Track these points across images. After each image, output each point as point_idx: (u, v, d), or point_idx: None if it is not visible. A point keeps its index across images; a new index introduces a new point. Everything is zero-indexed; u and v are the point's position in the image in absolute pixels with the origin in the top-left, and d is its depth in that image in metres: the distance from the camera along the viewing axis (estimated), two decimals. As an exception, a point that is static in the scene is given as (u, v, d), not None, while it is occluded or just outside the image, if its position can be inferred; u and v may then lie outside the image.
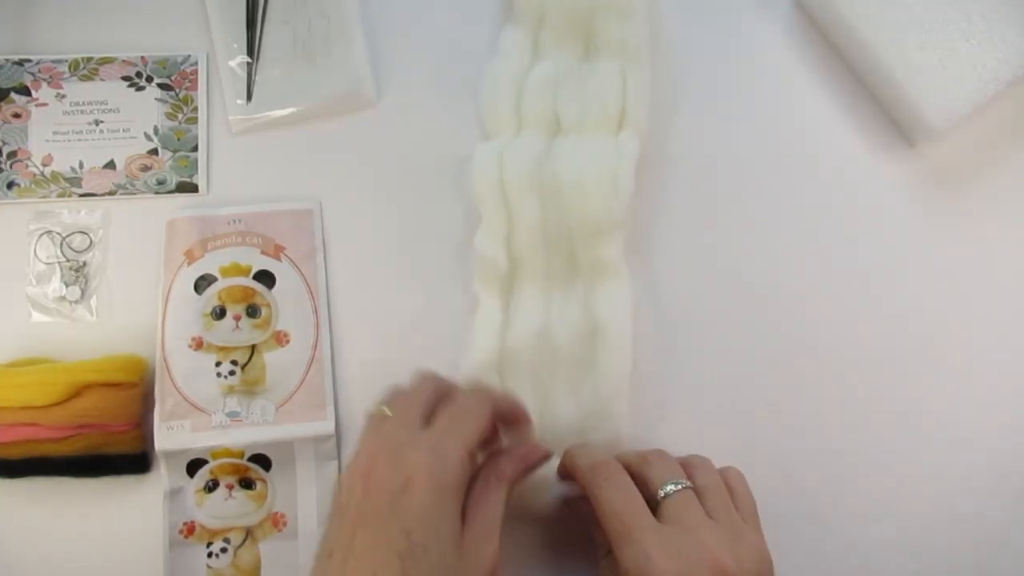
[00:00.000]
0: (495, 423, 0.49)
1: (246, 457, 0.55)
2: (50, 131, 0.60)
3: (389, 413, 0.46)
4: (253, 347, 0.57)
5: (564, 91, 0.60)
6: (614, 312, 0.55)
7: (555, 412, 0.55)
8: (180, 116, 0.62)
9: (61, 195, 0.59)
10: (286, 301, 0.58)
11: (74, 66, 0.62)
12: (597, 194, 0.56)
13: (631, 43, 0.59)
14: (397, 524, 0.41)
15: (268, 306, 0.57)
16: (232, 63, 0.63)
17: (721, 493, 0.48)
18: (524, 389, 0.55)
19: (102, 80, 0.62)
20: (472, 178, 0.57)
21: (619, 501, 0.46)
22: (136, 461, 0.55)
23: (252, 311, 0.57)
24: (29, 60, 0.62)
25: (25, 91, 0.61)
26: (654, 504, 0.47)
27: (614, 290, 0.56)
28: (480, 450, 0.47)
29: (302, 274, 0.59)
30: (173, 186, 0.60)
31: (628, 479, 0.47)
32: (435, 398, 0.47)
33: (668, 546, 0.44)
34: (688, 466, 0.50)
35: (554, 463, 0.51)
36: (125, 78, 0.62)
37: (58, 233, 0.59)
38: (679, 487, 0.47)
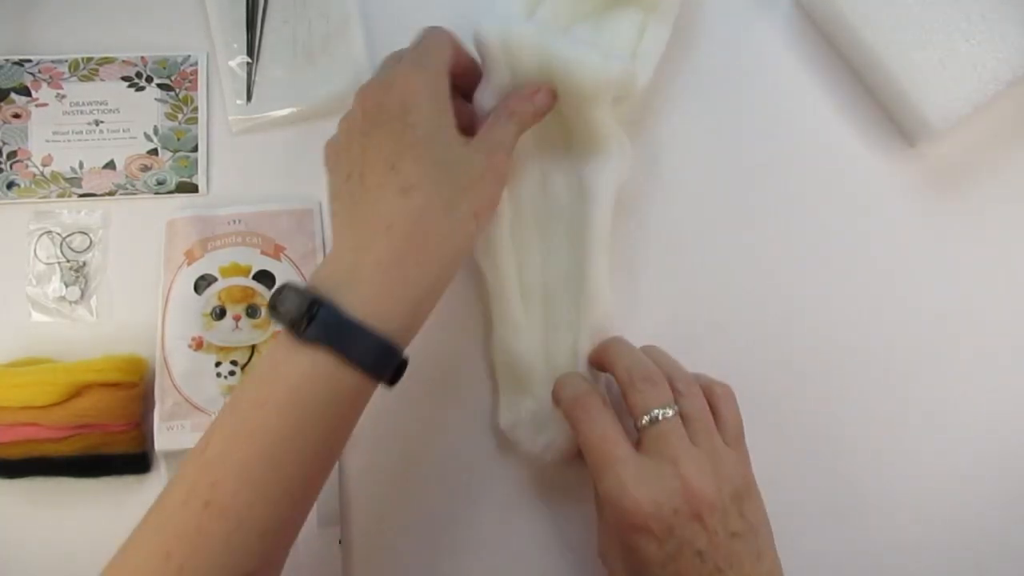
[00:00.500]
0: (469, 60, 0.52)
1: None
2: (50, 131, 0.61)
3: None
4: (253, 347, 0.57)
5: (579, 26, 0.58)
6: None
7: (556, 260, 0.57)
8: (180, 116, 0.62)
9: (61, 195, 0.59)
10: (286, 301, 0.58)
11: (74, 66, 0.62)
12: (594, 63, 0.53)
13: (663, 4, 0.59)
14: (402, 123, 0.46)
15: (268, 306, 0.58)
16: (232, 63, 0.63)
17: (705, 418, 0.48)
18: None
19: (102, 80, 0.62)
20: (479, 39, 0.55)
21: (597, 434, 0.47)
22: (136, 461, 0.55)
23: (252, 311, 0.57)
24: (29, 60, 0.62)
25: (25, 91, 0.61)
26: (637, 429, 0.47)
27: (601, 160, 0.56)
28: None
29: (302, 274, 0.59)
30: (173, 186, 0.60)
31: (607, 413, 0.48)
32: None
33: (643, 476, 0.45)
34: (676, 390, 0.49)
35: None
36: (125, 78, 0.62)
37: (58, 233, 0.59)
38: (663, 415, 0.47)
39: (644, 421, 0.47)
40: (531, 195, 0.57)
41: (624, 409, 0.49)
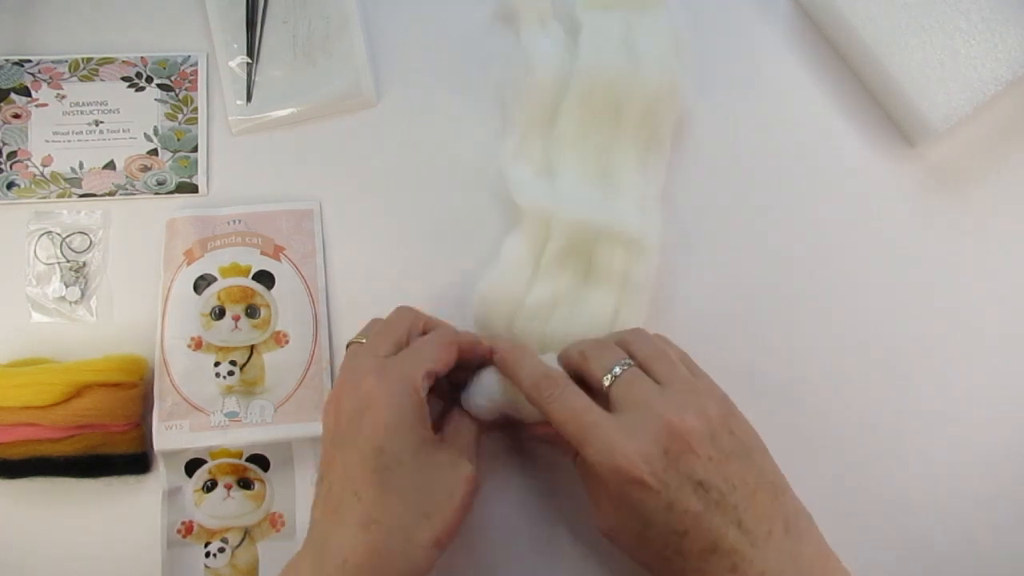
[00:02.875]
0: (460, 355, 0.50)
1: (245, 457, 0.55)
2: (50, 131, 0.61)
3: (363, 343, 0.50)
4: (252, 347, 0.57)
5: (556, 316, 0.57)
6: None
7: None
8: (180, 116, 0.62)
9: (61, 195, 0.60)
10: (285, 301, 0.58)
11: (74, 66, 0.62)
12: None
13: (633, 277, 0.57)
14: (368, 443, 0.45)
15: (267, 306, 0.57)
16: (232, 63, 0.63)
17: (664, 357, 0.48)
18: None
19: (102, 80, 0.62)
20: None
21: (567, 409, 0.46)
22: (136, 461, 0.55)
23: (251, 311, 0.57)
24: (29, 60, 0.62)
25: (25, 91, 0.61)
26: (604, 394, 0.47)
27: None
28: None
29: (301, 274, 0.59)
30: (173, 186, 0.60)
31: (571, 386, 0.47)
32: (407, 331, 0.50)
33: (624, 431, 0.44)
34: (625, 343, 0.50)
35: None
36: (125, 78, 0.62)
37: (58, 233, 0.59)
38: (621, 368, 0.47)
39: (607, 382, 0.47)
40: None
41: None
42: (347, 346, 0.51)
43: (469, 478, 0.47)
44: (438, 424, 0.50)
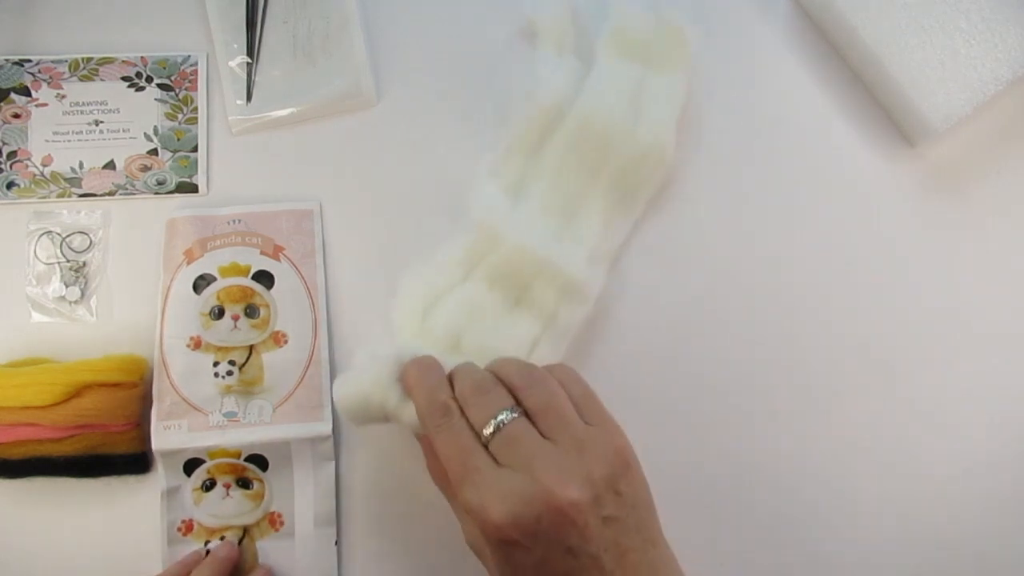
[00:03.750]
0: None
1: (243, 457, 0.55)
2: (50, 131, 0.61)
3: None
4: (251, 347, 0.57)
5: (477, 324, 0.56)
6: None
7: None
8: (180, 116, 0.62)
9: (61, 195, 0.60)
10: (285, 301, 0.58)
11: (74, 66, 0.62)
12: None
13: (562, 320, 0.57)
14: None
15: (267, 306, 0.57)
16: (232, 63, 0.63)
17: (556, 407, 0.45)
18: None
19: (102, 80, 0.62)
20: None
21: (452, 446, 0.44)
22: (136, 461, 0.55)
23: (251, 311, 0.57)
24: (29, 60, 0.62)
25: (25, 91, 0.61)
26: (486, 444, 0.44)
27: None
28: None
29: (301, 275, 0.59)
30: (173, 186, 0.60)
31: (461, 423, 0.45)
32: None
33: (500, 489, 0.42)
34: (514, 387, 0.46)
35: None
36: (125, 78, 0.62)
37: (58, 233, 0.59)
38: (504, 419, 0.44)
39: (488, 432, 0.44)
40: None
41: None
42: None
43: None
44: None
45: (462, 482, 0.43)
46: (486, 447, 0.44)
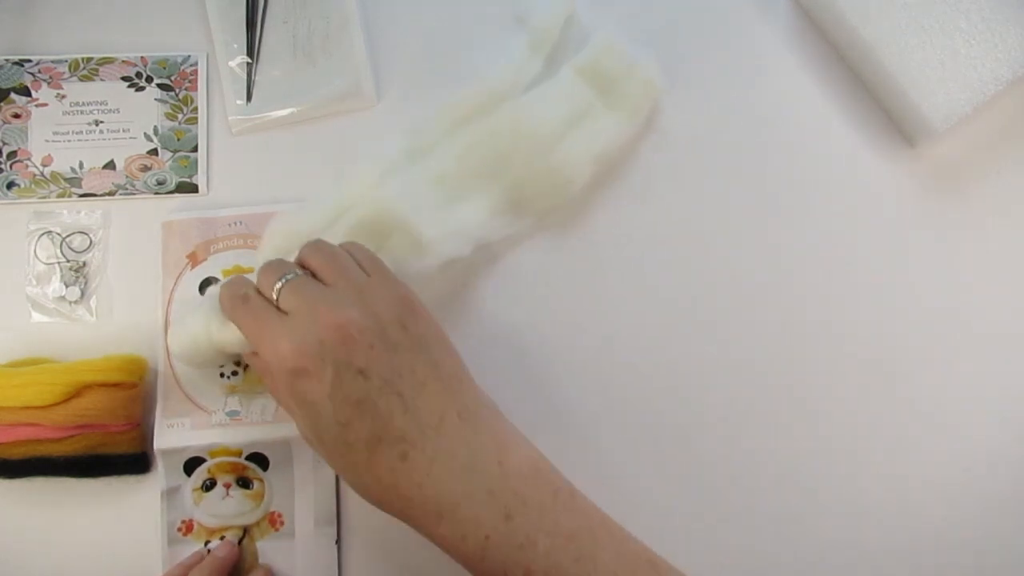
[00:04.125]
0: None
1: (244, 456, 0.55)
2: (50, 131, 0.61)
3: None
4: (253, 347, 0.57)
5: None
6: None
7: None
8: (180, 116, 0.62)
9: (61, 195, 0.60)
10: (286, 302, 0.58)
11: (74, 66, 0.62)
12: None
13: (406, 270, 0.55)
14: None
15: (268, 307, 0.58)
16: (232, 63, 0.63)
17: (333, 263, 0.48)
18: None
19: (102, 80, 0.62)
20: None
21: (250, 319, 0.47)
22: (136, 461, 0.55)
23: (252, 311, 0.57)
24: (29, 60, 0.62)
25: (25, 91, 0.61)
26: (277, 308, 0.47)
27: None
28: None
29: (301, 274, 0.59)
30: (173, 186, 0.60)
31: (259, 301, 0.47)
32: None
33: (288, 327, 0.45)
34: (300, 257, 0.49)
35: None
36: (125, 78, 0.62)
37: (58, 233, 0.59)
38: (286, 279, 0.47)
39: (273, 295, 0.47)
40: None
41: None
42: None
43: None
44: None
45: (259, 339, 0.46)
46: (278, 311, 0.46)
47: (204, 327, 0.51)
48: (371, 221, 0.56)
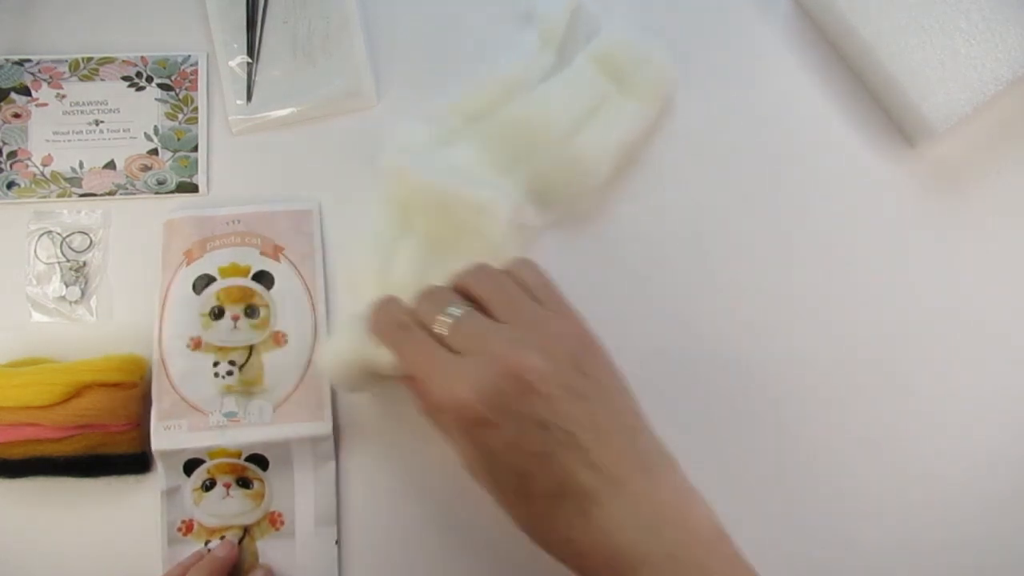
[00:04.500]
0: None
1: (243, 457, 0.55)
2: (50, 131, 0.61)
3: None
4: (251, 347, 0.57)
5: (431, 270, 0.55)
6: None
7: None
8: (180, 116, 0.62)
9: (61, 195, 0.60)
10: (285, 302, 0.58)
11: (74, 66, 0.62)
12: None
13: (490, 238, 0.56)
14: None
15: (267, 306, 0.58)
16: (232, 63, 0.63)
17: (505, 294, 0.46)
18: None
19: (102, 80, 0.62)
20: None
21: (413, 352, 0.45)
22: (136, 461, 0.55)
23: (251, 311, 0.57)
24: (29, 60, 0.62)
25: (25, 91, 0.61)
26: (444, 344, 0.45)
27: None
28: None
29: (301, 275, 0.59)
30: (173, 186, 0.60)
31: (421, 333, 0.46)
32: None
33: (464, 370, 0.43)
34: (462, 285, 0.48)
35: None
36: (125, 78, 0.62)
37: (58, 233, 0.59)
38: (452, 314, 0.45)
39: (439, 331, 0.45)
40: None
41: None
42: None
43: None
44: None
45: (428, 380, 0.44)
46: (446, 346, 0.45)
47: (358, 350, 0.49)
48: (435, 207, 0.57)
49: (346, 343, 0.50)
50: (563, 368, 0.43)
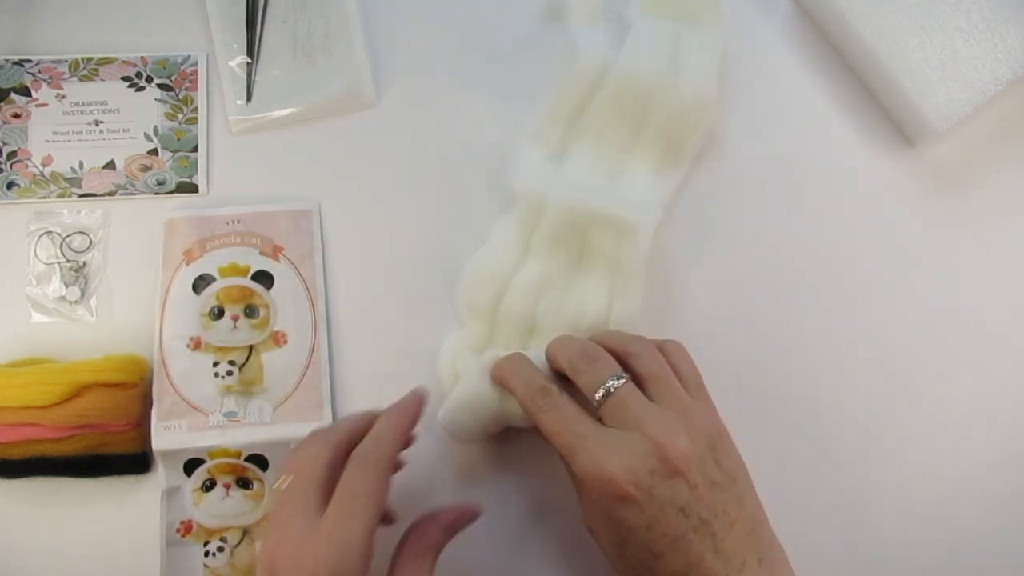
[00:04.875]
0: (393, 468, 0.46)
1: (243, 457, 0.55)
2: (50, 131, 0.61)
3: (286, 490, 0.44)
4: (251, 347, 0.57)
5: (547, 297, 0.57)
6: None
7: None
8: (180, 116, 0.62)
9: (61, 195, 0.60)
10: (284, 301, 0.58)
11: (74, 66, 0.62)
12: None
13: (626, 263, 0.57)
14: None
15: (266, 306, 0.58)
16: (232, 63, 0.63)
17: (663, 376, 0.47)
18: None
19: (102, 80, 0.62)
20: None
21: (558, 421, 0.46)
22: (136, 461, 0.55)
23: (250, 311, 0.57)
24: (29, 60, 0.62)
25: (25, 91, 0.61)
26: (596, 408, 0.47)
27: None
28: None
29: (300, 275, 0.59)
30: (173, 186, 0.60)
31: (563, 399, 0.47)
32: (329, 469, 0.44)
33: (612, 447, 0.44)
34: (625, 354, 0.49)
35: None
36: (125, 78, 0.62)
37: (58, 233, 0.59)
38: (614, 385, 0.46)
39: (598, 397, 0.46)
40: None
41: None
42: (273, 492, 0.47)
43: None
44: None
45: (574, 451, 0.45)
46: (593, 414, 0.46)
47: (486, 405, 0.51)
48: (563, 231, 0.57)
49: (473, 399, 0.51)
50: (706, 457, 0.45)
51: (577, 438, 0.45)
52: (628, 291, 0.57)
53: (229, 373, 0.56)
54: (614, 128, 0.60)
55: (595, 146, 0.60)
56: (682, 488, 0.43)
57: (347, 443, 0.45)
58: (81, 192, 0.60)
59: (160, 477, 0.55)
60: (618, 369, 0.47)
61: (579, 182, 0.59)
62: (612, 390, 0.46)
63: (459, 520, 0.48)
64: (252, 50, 0.63)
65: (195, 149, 0.61)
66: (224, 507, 0.55)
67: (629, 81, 0.59)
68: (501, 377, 0.50)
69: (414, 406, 0.48)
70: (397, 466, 0.48)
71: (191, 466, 0.55)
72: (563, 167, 0.60)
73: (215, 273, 0.58)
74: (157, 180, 0.60)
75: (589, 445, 0.44)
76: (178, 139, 0.61)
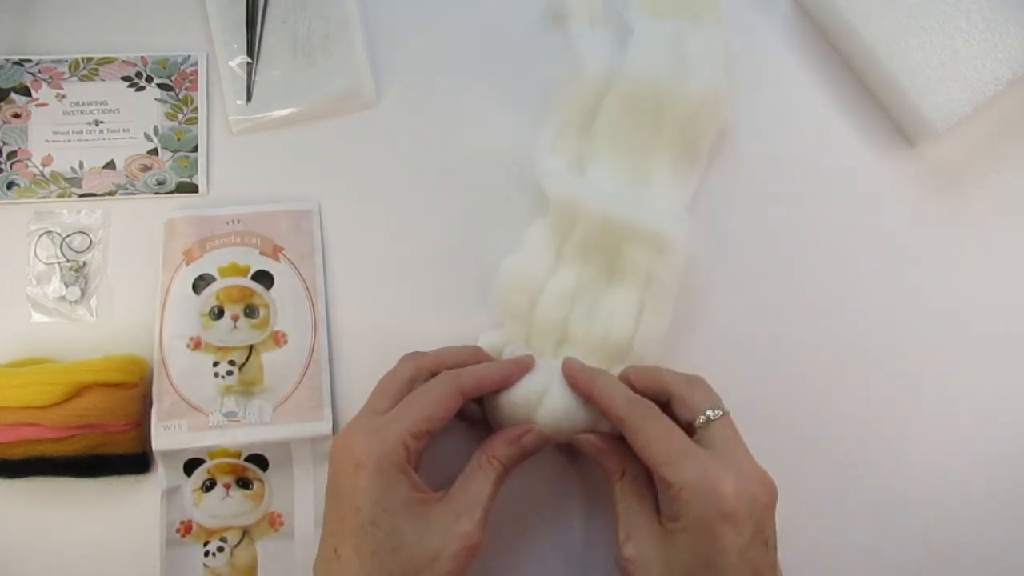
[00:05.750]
0: (463, 399, 0.50)
1: (243, 457, 0.55)
2: (50, 131, 0.61)
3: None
4: (251, 347, 0.57)
5: (579, 306, 0.58)
6: None
7: None
8: (180, 116, 0.62)
9: (61, 195, 0.60)
10: (284, 301, 0.58)
11: (74, 66, 0.62)
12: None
13: (659, 277, 0.56)
14: (350, 503, 0.45)
15: (266, 306, 0.58)
16: (232, 63, 0.63)
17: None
18: None
19: (102, 80, 0.62)
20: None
21: (663, 430, 0.47)
22: (136, 461, 0.55)
23: (250, 311, 0.57)
24: (29, 60, 0.62)
25: (25, 91, 0.61)
26: (692, 430, 0.48)
27: None
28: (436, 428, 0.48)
29: (300, 275, 0.59)
30: (173, 186, 0.60)
31: (662, 415, 0.48)
32: (408, 381, 0.50)
33: (725, 464, 0.45)
34: (701, 390, 0.51)
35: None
36: (125, 78, 0.62)
37: (58, 233, 0.59)
38: (715, 414, 0.48)
39: (701, 420, 0.48)
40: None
41: None
42: None
43: (462, 535, 0.46)
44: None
45: (679, 460, 0.45)
46: (691, 432, 0.48)
47: (573, 414, 0.52)
48: (598, 242, 0.57)
49: (563, 410, 0.52)
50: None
51: (679, 451, 0.46)
52: (658, 305, 0.57)
53: (229, 373, 0.56)
54: (631, 131, 0.60)
55: (615, 151, 0.60)
56: (770, 522, 0.45)
57: (433, 366, 0.52)
58: (81, 192, 0.60)
59: (160, 477, 0.55)
60: (720, 401, 0.49)
61: (608, 190, 0.59)
62: (713, 418, 0.48)
63: (523, 439, 0.51)
64: (252, 50, 0.63)
65: (195, 149, 0.61)
66: (224, 507, 0.55)
67: (639, 83, 0.59)
68: (590, 390, 0.51)
69: (516, 366, 0.52)
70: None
71: (191, 466, 0.55)
72: (587, 174, 0.60)
73: (215, 273, 0.58)
74: (157, 180, 0.60)
75: (700, 458, 0.45)
76: (178, 139, 0.61)
